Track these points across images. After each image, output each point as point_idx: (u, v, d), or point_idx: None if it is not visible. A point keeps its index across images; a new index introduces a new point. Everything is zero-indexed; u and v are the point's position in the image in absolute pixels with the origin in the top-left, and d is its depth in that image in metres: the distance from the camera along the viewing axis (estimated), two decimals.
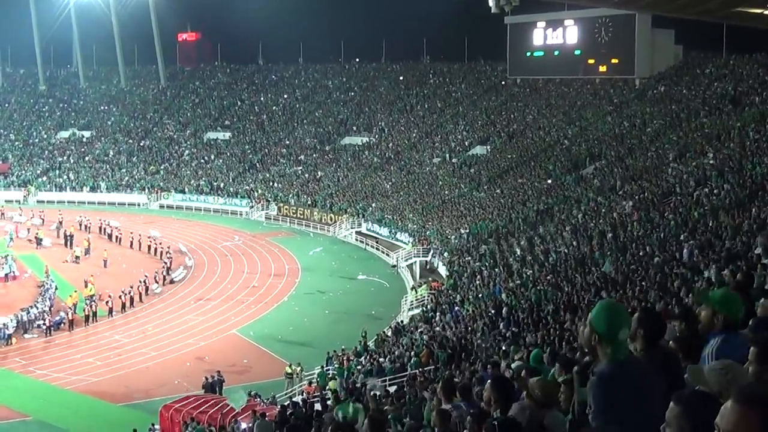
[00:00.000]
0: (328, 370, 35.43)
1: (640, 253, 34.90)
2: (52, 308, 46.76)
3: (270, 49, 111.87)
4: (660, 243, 35.46)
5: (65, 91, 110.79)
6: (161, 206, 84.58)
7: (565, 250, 42.04)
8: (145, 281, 51.61)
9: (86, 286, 49.18)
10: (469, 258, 48.95)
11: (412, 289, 51.13)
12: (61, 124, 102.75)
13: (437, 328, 36.76)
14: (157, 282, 53.13)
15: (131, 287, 49.56)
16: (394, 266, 59.16)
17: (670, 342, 6.52)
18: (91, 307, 46.34)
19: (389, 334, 39.82)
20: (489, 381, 7.38)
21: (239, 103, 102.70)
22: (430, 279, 52.45)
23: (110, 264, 58.51)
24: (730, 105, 59.53)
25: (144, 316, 47.58)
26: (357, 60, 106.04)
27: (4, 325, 42.93)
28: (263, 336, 43.81)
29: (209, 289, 53.40)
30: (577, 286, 33.27)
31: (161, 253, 60.88)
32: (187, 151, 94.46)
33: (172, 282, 54.68)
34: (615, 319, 5.12)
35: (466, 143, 78.03)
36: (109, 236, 67.89)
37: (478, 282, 43.08)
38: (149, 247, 63.19)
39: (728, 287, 7.11)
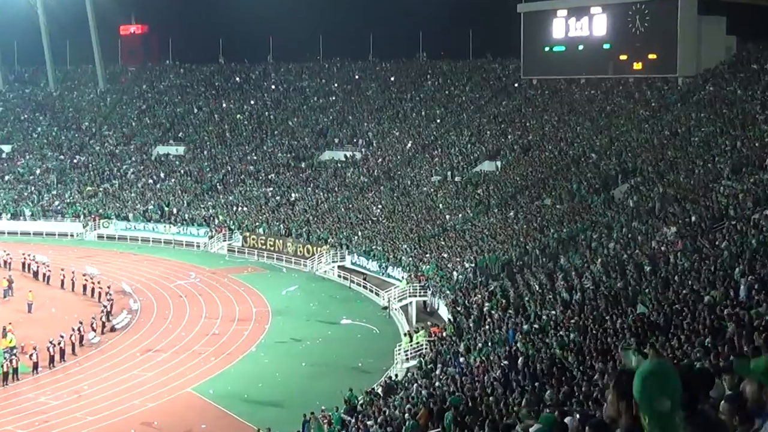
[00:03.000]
0: None
1: (686, 291, 34.77)
2: None
3: (233, 44, 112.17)
4: (710, 278, 35.33)
5: None
6: (100, 237, 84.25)
7: (594, 287, 41.91)
8: (79, 329, 51.21)
9: (5, 336, 48.75)
10: (477, 297, 48.78)
11: (406, 335, 50.86)
12: None
13: (438, 383, 36.53)
14: (94, 330, 52.73)
15: (62, 337, 49.13)
16: (385, 308, 58.96)
17: (721, 402, 6.33)
18: (10, 362, 45.82)
19: (379, 390, 39.59)
20: None
21: (196, 110, 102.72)
22: (428, 323, 52.24)
23: (36, 308, 58.09)
24: None
25: (78, 372, 47.15)
26: (338, 58, 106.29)
27: None
28: (225, 395, 43.48)
29: (159, 337, 53.07)
30: (609, 331, 33.10)
31: (100, 294, 60.55)
32: (131, 170, 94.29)
33: (113, 330, 54.31)
34: (652, 384, 4.90)
35: (472, 158, 78.10)
36: (35, 274, 67.52)
37: (487, 326, 42.88)
38: (85, 287, 62.85)
39: None
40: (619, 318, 34.67)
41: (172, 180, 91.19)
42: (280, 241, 75.66)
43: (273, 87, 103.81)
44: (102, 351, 50.65)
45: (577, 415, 17.42)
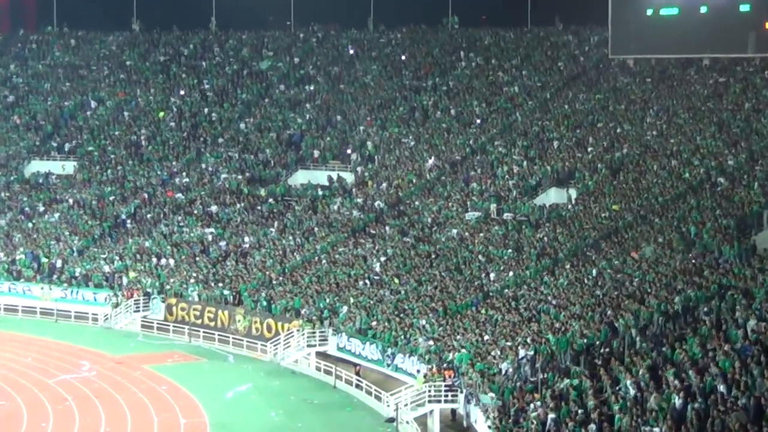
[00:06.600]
0: None
1: None
2: None
3: (155, 2, 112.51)
4: None
5: None
6: None
7: (724, 390, 41.67)
8: None
9: None
10: (536, 404, 48.57)
11: None
12: None
13: None
14: None
15: None
16: (390, 420, 58.73)
17: None
18: None
19: None
20: None
21: (94, 104, 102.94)
22: None
23: None
24: None
25: None
26: (320, 24, 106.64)
27: None
28: None
29: None
30: None
31: None
32: None
33: None
34: None
35: (530, 183, 78.04)
36: None
37: None
38: None
39: None
40: None
41: (56, 214, 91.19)
42: (225, 312, 75.51)
43: (217, 69, 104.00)
44: None
45: None
